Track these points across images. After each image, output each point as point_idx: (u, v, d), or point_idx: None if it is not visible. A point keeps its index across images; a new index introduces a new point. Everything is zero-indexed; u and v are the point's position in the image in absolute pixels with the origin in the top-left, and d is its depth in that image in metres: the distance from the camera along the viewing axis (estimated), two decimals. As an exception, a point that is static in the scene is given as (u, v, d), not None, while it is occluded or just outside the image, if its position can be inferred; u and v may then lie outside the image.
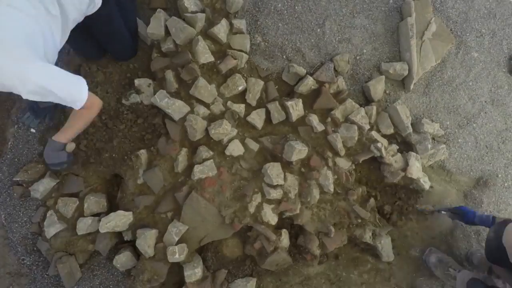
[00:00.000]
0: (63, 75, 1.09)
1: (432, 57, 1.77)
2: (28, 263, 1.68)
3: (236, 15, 1.72)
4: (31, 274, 1.67)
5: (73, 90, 1.11)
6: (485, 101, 1.86)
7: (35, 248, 1.68)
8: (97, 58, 1.71)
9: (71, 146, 1.38)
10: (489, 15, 1.85)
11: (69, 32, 1.22)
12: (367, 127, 1.68)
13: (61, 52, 1.22)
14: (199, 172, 1.51)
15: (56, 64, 1.13)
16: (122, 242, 1.64)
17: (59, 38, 1.16)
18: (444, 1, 1.81)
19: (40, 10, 1.03)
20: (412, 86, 1.76)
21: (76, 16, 1.20)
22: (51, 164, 1.36)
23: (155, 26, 1.60)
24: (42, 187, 1.62)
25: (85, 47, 1.61)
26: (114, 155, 1.63)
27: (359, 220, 1.65)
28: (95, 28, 1.48)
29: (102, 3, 1.29)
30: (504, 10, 1.87)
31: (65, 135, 1.30)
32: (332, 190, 1.60)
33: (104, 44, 1.62)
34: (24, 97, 1.00)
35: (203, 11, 1.66)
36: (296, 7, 1.72)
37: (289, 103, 1.61)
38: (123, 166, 1.60)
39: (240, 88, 1.65)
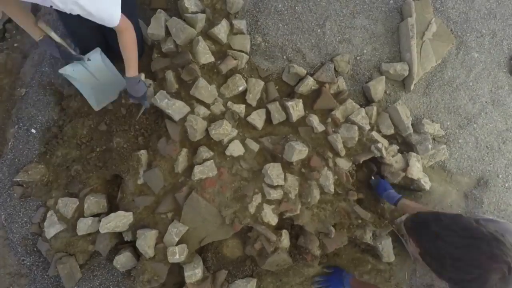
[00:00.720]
0: None
1: (433, 57, 1.77)
2: (28, 263, 1.67)
3: (237, 16, 1.72)
4: (31, 274, 1.67)
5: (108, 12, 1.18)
6: (486, 102, 1.86)
7: (35, 249, 1.68)
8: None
9: (142, 77, 1.56)
10: (490, 16, 1.85)
11: None
12: (368, 127, 1.67)
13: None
14: (199, 172, 1.51)
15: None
16: (122, 242, 1.64)
17: None
18: (444, 2, 1.81)
19: None
20: (412, 87, 1.76)
21: None
22: (140, 97, 1.51)
23: (156, 26, 1.60)
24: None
25: (91, 42, 1.56)
26: (114, 156, 1.63)
27: (360, 221, 1.65)
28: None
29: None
30: (504, 10, 1.87)
31: (132, 68, 1.43)
32: (332, 190, 1.60)
33: (113, 42, 1.58)
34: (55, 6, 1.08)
35: (203, 11, 1.66)
36: (296, 8, 1.73)
37: (289, 104, 1.61)
38: (123, 167, 1.60)
39: (240, 88, 1.65)
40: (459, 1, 1.83)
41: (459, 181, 1.85)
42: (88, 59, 1.49)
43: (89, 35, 1.52)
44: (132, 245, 1.61)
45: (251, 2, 1.72)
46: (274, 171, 1.52)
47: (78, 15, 1.20)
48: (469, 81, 1.84)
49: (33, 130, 1.70)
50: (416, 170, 1.67)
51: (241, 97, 1.69)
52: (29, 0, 1.09)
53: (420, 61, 1.74)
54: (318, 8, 1.73)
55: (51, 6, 1.10)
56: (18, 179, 1.65)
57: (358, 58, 1.76)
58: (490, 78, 1.86)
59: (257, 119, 1.65)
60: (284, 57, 1.73)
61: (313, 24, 1.73)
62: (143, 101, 1.54)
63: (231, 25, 1.66)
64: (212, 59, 1.60)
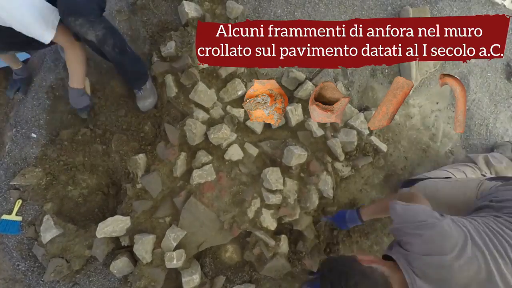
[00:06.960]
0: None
1: (430, 63, 1.78)
2: (23, 268, 1.65)
3: (236, 21, 1.73)
4: (26, 280, 1.64)
5: (37, 22, 1.12)
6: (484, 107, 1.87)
7: (30, 254, 1.65)
8: None
9: (87, 87, 1.53)
10: (486, 22, 1.87)
11: None
12: (366, 132, 1.68)
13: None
14: (198, 176, 1.50)
15: None
16: (119, 247, 1.62)
17: None
18: (441, 8, 1.83)
19: None
20: (410, 92, 1.77)
21: None
22: (80, 110, 1.56)
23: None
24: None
25: None
26: (112, 160, 1.62)
27: (359, 226, 1.64)
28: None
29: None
30: (500, 17, 1.89)
31: (75, 80, 1.41)
32: (331, 195, 1.59)
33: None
34: None
35: (203, 16, 1.67)
36: (295, 13, 1.74)
37: (288, 108, 1.62)
38: (121, 171, 1.59)
39: (239, 92, 1.65)
40: (456, 7, 1.85)
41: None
42: None
43: None
44: (129, 250, 1.59)
45: (250, 8, 1.74)
46: (273, 175, 1.52)
47: None
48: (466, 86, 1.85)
49: (33, 134, 1.70)
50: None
51: (240, 102, 1.69)
52: None
53: (418, 67, 1.75)
54: (317, 14, 1.75)
55: None
56: (15, 183, 1.63)
57: (356, 63, 1.77)
58: (488, 84, 1.87)
59: (256, 123, 1.65)
60: (283, 62, 1.74)
61: (312, 29, 1.75)
62: (81, 112, 1.59)
63: (231, 30, 1.67)
64: (211, 63, 1.61)
